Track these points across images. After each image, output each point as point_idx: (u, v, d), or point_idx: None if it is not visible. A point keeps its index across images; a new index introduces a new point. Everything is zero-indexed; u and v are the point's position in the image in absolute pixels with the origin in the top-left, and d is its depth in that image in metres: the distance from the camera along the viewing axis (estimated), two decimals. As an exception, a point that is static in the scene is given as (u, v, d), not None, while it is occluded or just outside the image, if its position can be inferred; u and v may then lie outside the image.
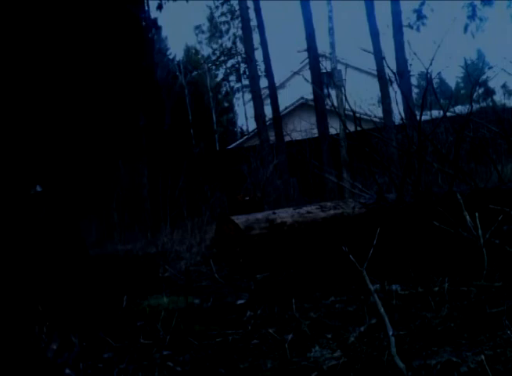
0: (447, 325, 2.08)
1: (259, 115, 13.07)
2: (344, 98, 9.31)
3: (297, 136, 14.14)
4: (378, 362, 1.80)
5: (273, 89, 13.60)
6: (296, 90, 19.30)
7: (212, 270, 3.52)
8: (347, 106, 5.07)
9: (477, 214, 2.75)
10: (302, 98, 19.57)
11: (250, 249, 3.06)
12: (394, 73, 4.61)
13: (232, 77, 30.98)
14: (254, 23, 15.44)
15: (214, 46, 30.34)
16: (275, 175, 10.68)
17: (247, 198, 6.50)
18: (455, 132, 4.31)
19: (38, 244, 2.36)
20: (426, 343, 1.94)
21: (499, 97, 14.48)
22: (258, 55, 15.87)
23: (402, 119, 4.65)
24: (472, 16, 15.65)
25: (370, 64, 12.27)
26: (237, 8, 20.18)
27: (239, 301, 3.10)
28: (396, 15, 12.12)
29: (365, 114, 9.21)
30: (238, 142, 21.21)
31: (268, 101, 14.07)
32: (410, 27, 15.48)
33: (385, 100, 11.78)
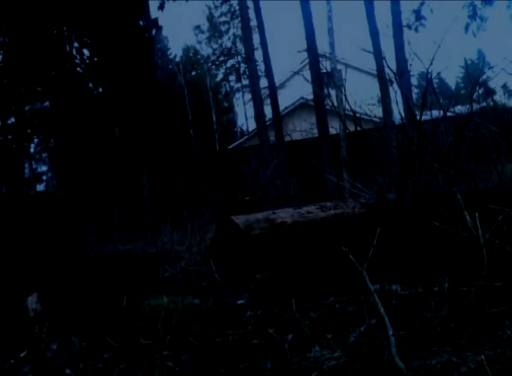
0: (447, 325, 2.08)
1: (259, 115, 13.08)
2: (344, 98, 9.30)
3: (297, 136, 14.14)
4: (378, 362, 1.80)
5: (273, 89, 13.61)
6: (296, 90, 19.27)
7: (212, 270, 3.52)
8: (347, 106, 5.06)
9: (477, 214, 2.75)
10: (302, 98, 19.56)
11: (250, 249, 3.06)
12: (394, 73, 4.60)
13: (232, 77, 30.97)
14: (254, 23, 15.44)
15: (214, 46, 30.33)
16: (275, 175, 10.69)
17: (247, 198, 6.52)
18: (455, 132, 4.31)
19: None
20: (426, 343, 1.93)
21: (499, 97, 14.47)
22: (258, 55, 15.87)
23: (402, 119, 4.63)
24: (473, 16, 15.60)
25: (370, 64, 12.27)
26: (237, 8, 20.18)
27: (239, 301, 3.10)
28: (396, 14, 12.11)
29: (366, 114, 9.20)
30: (238, 142, 21.21)
31: (268, 101, 14.08)
32: (409, 27, 15.42)
33: (385, 100, 11.78)
